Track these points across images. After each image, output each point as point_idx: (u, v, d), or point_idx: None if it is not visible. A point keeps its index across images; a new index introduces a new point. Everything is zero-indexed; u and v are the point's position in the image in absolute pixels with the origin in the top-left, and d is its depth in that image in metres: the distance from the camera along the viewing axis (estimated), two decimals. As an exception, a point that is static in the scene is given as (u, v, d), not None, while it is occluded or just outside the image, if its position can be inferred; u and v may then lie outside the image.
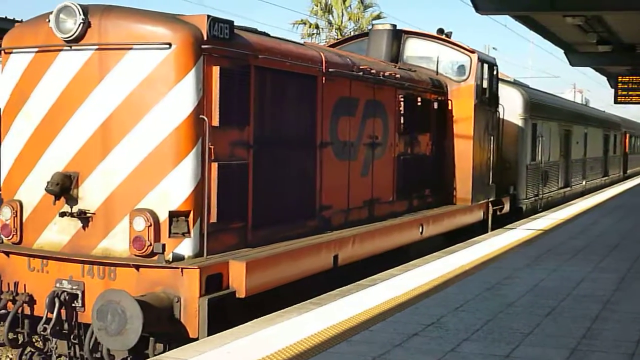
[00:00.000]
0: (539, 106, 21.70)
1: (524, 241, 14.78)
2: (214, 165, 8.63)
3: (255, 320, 8.09)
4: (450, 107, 15.86)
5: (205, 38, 8.44)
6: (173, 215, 8.33)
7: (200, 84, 8.45)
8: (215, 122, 8.63)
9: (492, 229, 16.92)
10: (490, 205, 17.10)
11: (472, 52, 15.98)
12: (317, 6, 43.95)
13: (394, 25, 16.25)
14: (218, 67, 8.62)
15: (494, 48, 76.15)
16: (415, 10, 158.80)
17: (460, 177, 15.88)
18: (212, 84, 8.59)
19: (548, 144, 22.26)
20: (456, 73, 16.20)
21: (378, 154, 12.82)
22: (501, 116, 18.15)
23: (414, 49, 16.23)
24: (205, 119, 8.44)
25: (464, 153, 15.85)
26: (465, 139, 15.84)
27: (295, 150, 10.44)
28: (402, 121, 13.60)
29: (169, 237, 8.30)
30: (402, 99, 13.55)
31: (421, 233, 13.47)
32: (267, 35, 10.16)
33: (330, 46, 16.28)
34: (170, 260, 8.27)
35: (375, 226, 11.91)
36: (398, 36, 16.01)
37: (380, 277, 10.58)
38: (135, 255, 8.20)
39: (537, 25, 21.06)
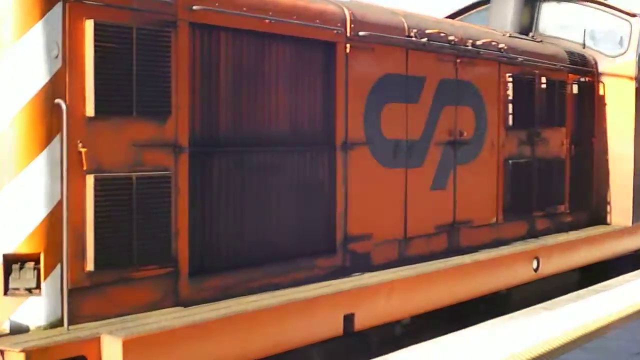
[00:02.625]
0: None
1: None
2: (89, 179, 5.33)
3: None
4: (599, 92, 11.56)
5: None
6: (10, 260, 5.14)
7: (55, 46, 5.19)
8: (90, 109, 5.34)
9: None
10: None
11: (633, 15, 11.56)
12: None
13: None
14: (92, 22, 5.32)
15: None
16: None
17: (616, 187, 11.55)
18: (81, 48, 5.31)
19: None
20: (610, 45, 11.84)
21: (466, 157, 8.96)
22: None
23: (552, 16, 12.07)
24: (63, 104, 5.17)
25: (621, 154, 11.50)
26: (623, 135, 11.48)
27: (290, 155, 6.93)
28: (511, 110, 9.60)
29: (5, 294, 5.13)
30: (510, 80, 9.56)
31: (535, 270, 9.40)
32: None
33: (447, 17, 12.45)
34: (7, 331, 5.10)
35: (436, 265, 8.06)
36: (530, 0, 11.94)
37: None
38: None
39: None
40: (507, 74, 9.56)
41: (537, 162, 10.23)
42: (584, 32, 11.82)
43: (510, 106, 9.59)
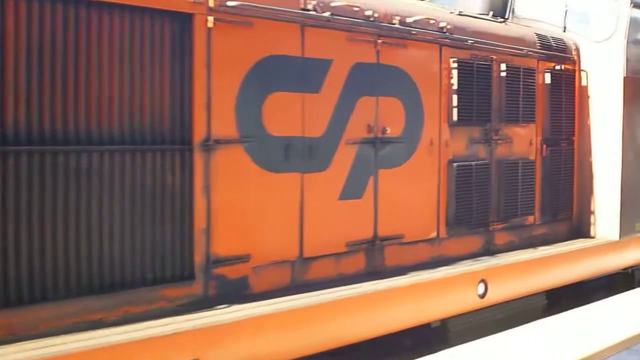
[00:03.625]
0: None
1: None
2: None
3: None
4: (582, 82, 9.85)
5: None
6: None
7: None
8: None
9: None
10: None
11: (622, -7, 9.87)
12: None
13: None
14: None
15: None
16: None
17: (601, 195, 9.84)
18: None
19: None
20: (595, 29, 10.12)
21: (392, 159, 7.37)
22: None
23: (530, -4, 10.41)
24: None
25: (607, 156, 9.78)
26: (609, 134, 9.76)
27: (123, 156, 5.41)
28: (457, 103, 7.98)
29: None
30: (455, 65, 7.94)
31: (482, 295, 7.75)
32: None
33: None
34: None
35: (338, 292, 6.48)
36: (504, -23, 10.29)
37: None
38: None
39: None
40: (452, 59, 7.93)
41: (496, 164, 8.59)
42: (565, 13, 10.12)
43: (455, 97, 7.95)
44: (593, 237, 9.89)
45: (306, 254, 6.63)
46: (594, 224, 9.92)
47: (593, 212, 9.92)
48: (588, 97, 9.90)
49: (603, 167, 9.84)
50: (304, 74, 6.55)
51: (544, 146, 9.31)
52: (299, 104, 6.52)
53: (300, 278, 6.61)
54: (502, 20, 9.10)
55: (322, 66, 6.71)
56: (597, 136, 9.87)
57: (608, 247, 9.70)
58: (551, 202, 9.47)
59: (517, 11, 10.27)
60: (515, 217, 8.88)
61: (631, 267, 10.34)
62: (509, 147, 8.79)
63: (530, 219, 9.18)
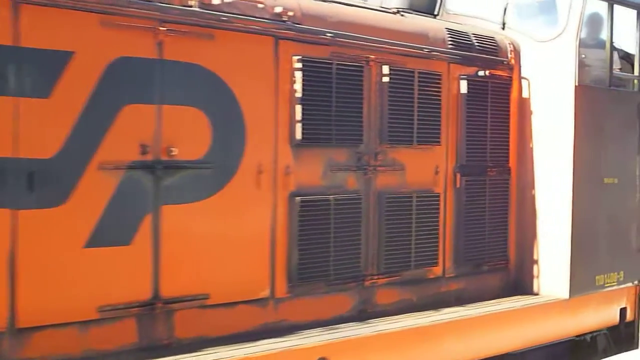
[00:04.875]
0: None
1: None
2: None
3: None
4: (521, 93, 7.66)
5: None
6: None
7: None
8: None
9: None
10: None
11: (574, -19, 7.66)
12: None
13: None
14: None
15: None
16: None
17: (547, 238, 7.61)
18: None
19: None
20: (539, 25, 7.93)
21: (189, 191, 5.39)
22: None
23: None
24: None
25: (554, 188, 7.56)
26: (557, 160, 7.53)
27: None
28: (301, 117, 5.94)
29: None
30: (300, 66, 5.92)
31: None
32: None
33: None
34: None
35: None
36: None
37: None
38: None
39: None
40: (296, 57, 5.90)
41: (376, 199, 6.49)
42: (505, 8, 7.94)
43: (299, 109, 5.91)
44: (536, 294, 7.62)
45: (22, 323, 4.68)
46: (538, 277, 7.66)
47: (537, 262, 7.67)
48: (530, 112, 7.69)
49: (550, 202, 7.59)
50: (22, 72, 4.64)
51: (458, 175, 7.13)
52: (10, 112, 4.61)
53: (12, 357, 4.66)
54: (394, 11, 6.98)
55: (55, 60, 4.79)
56: (542, 163, 7.63)
57: (551, 308, 7.44)
58: (472, 249, 7.27)
59: (449, 6, 8.15)
60: (408, 269, 6.72)
61: (590, 333, 8.00)
62: (399, 176, 6.67)
63: (437, 270, 7.01)
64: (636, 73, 8.34)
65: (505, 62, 7.55)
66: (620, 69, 8.37)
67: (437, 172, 6.97)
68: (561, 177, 7.51)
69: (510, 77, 7.61)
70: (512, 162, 7.66)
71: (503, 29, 7.86)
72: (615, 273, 8.04)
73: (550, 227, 7.59)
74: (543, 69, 7.63)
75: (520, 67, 7.70)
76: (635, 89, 8.37)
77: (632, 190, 8.24)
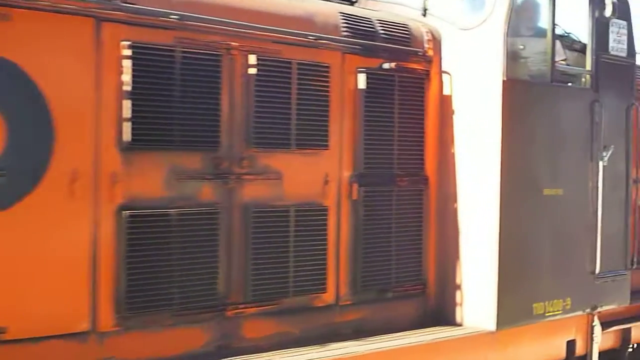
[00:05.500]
0: None
1: None
2: None
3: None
4: (441, 89, 6.57)
5: None
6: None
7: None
8: None
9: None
10: (596, 323, 7.25)
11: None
12: None
13: None
14: None
15: None
16: None
17: (472, 258, 6.50)
18: None
19: None
20: (467, 10, 6.85)
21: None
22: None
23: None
24: None
25: (480, 200, 6.45)
26: (483, 167, 6.42)
27: None
28: (131, 114, 4.93)
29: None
30: (129, 53, 4.91)
31: None
32: None
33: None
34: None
35: None
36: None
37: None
38: None
39: None
40: (125, 42, 4.90)
41: (241, 213, 5.45)
42: (426, -9, 6.87)
43: (129, 104, 4.91)
44: (459, 325, 6.51)
45: None
46: (461, 305, 6.55)
47: (460, 287, 6.56)
48: (452, 111, 6.59)
49: (475, 216, 6.48)
50: None
51: (355, 186, 6.06)
52: None
53: None
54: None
55: None
56: (466, 170, 6.53)
57: (473, 341, 6.31)
58: (375, 272, 6.18)
59: (368, -10, 7.11)
60: (285, 296, 5.66)
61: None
62: (274, 186, 5.62)
63: (327, 297, 5.94)
64: (588, 67, 7.19)
65: (420, 53, 6.47)
66: (567, 62, 7.24)
67: (326, 182, 5.90)
68: (486, 188, 6.39)
69: (428, 70, 6.52)
70: (430, 169, 6.56)
71: (424, 15, 6.78)
72: (561, 300, 6.88)
73: (474, 246, 6.47)
74: (467, 61, 6.54)
75: (440, 59, 6.61)
76: (588, 85, 7.20)
77: (583, 203, 7.08)
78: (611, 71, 7.25)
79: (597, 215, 7.15)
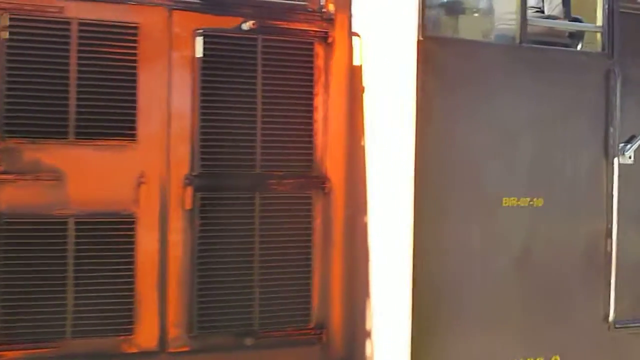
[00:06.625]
0: None
1: None
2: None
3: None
4: (349, 59, 4.75)
5: None
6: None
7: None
8: None
9: None
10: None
11: None
12: None
13: None
14: None
15: None
16: None
17: (382, 289, 4.62)
18: None
19: None
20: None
21: None
22: None
23: None
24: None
25: (391, 208, 4.57)
26: (394, 159, 4.55)
27: None
28: None
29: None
30: None
31: None
32: None
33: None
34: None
35: None
36: None
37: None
38: None
39: None
40: None
41: (-4, 224, 4.09)
42: None
43: None
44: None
45: None
46: (372, 355, 4.65)
47: (369, 334, 4.66)
48: (362, 89, 4.73)
49: (385, 238, 4.58)
50: None
51: (190, 190, 4.42)
52: None
53: None
54: None
55: None
56: (379, 172, 4.65)
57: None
58: (222, 309, 4.50)
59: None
60: (60, 338, 4.18)
61: None
62: (49, 189, 4.18)
63: (142, 341, 4.36)
64: (598, 22, 4.96)
65: (310, 9, 4.68)
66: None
67: (139, 184, 4.35)
68: (398, 197, 4.46)
69: (325, 32, 4.71)
70: (334, 169, 4.74)
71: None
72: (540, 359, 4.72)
73: (386, 278, 4.56)
74: (378, 17, 4.66)
75: (350, 17, 4.78)
76: (599, 48, 4.97)
77: (584, 218, 4.86)
78: (636, 27, 4.95)
79: (612, 235, 4.88)
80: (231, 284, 4.49)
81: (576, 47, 5.12)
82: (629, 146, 4.93)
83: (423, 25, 4.39)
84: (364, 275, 4.69)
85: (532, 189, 4.69)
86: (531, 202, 4.69)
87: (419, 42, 4.38)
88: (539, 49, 4.77)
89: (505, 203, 4.63)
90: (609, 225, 4.89)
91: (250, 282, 4.52)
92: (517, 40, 4.68)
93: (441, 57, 4.46)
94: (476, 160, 4.56)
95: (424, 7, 4.39)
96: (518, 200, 4.66)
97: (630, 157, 4.96)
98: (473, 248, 4.52)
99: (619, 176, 4.93)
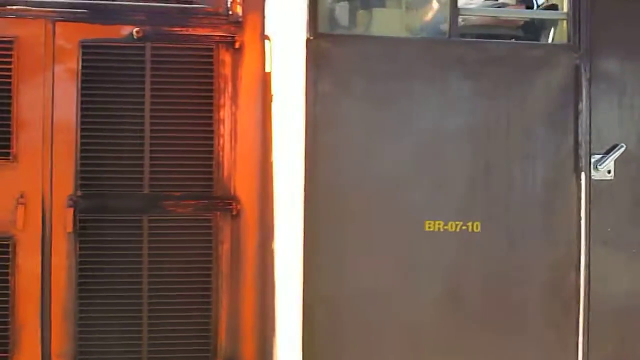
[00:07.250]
0: None
1: None
2: None
3: None
4: (260, 65, 4.30)
5: None
6: None
7: None
8: None
9: None
10: None
11: None
12: None
13: None
14: None
15: None
16: None
17: (285, 325, 4.10)
18: None
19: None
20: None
21: None
22: None
23: None
24: None
25: (290, 231, 4.06)
26: (289, 175, 4.04)
27: None
28: None
29: None
30: None
31: None
32: None
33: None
34: None
35: None
36: None
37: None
38: None
39: None
40: None
41: None
42: None
43: None
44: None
45: None
46: None
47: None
48: (271, 98, 4.21)
49: (283, 267, 4.01)
50: None
51: (70, 212, 4.12)
52: None
53: None
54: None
55: None
56: (282, 190, 4.10)
57: None
58: (104, 344, 4.13)
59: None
60: None
61: None
62: None
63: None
64: (564, 8, 4.09)
65: (213, 13, 4.24)
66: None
67: (17, 205, 4.12)
68: (292, 219, 3.89)
69: (232, 37, 4.24)
70: (243, 188, 4.24)
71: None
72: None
73: (286, 315, 3.99)
74: (281, 19, 4.13)
75: (262, 19, 4.27)
76: (564, 39, 4.08)
77: (523, 244, 3.99)
78: (611, 12, 4.01)
79: (580, 268, 3.97)
80: (115, 314, 4.12)
81: (546, 40, 4.24)
82: (605, 158, 3.99)
83: (314, 22, 3.80)
84: (272, 310, 4.14)
85: (465, 211, 3.91)
86: (464, 227, 3.90)
87: (308, 40, 3.80)
88: (473, 42, 3.99)
89: (429, 227, 3.89)
90: (576, 255, 3.97)
91: (139, 313, 4.13)
92: (447, 33, 3.95)
93: (340, 57, 3.84)
94: (390, 177, 3.87)
95: (315, 1, 3.81)
96: (445, 225, 3.89)
97: (609, 172, 4.02)
98: (383, 286, 3.82)
99: (594, 195, 4.00)
